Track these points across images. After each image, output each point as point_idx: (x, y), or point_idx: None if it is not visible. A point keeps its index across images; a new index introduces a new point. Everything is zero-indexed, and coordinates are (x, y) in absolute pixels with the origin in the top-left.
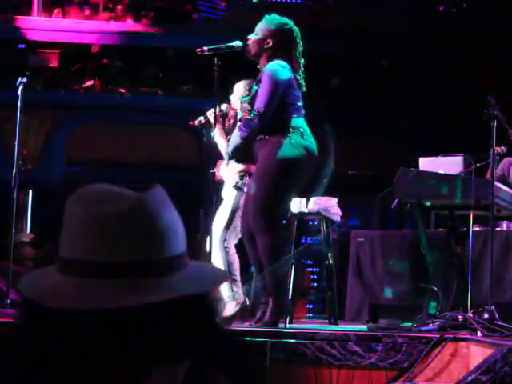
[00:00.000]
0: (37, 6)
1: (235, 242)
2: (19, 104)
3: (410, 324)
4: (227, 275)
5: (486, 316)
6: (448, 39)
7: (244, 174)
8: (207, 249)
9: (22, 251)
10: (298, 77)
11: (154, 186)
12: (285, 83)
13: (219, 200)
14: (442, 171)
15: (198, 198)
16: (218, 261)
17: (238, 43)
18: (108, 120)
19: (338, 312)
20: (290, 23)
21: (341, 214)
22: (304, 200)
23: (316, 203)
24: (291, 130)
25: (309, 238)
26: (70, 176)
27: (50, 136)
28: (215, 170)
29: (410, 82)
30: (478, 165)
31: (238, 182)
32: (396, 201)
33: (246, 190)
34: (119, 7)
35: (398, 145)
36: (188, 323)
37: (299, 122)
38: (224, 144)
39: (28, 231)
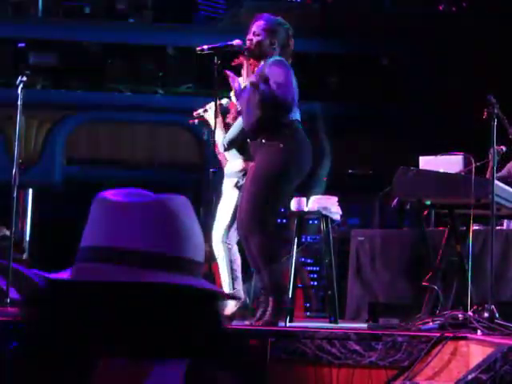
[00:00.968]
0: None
1: (237, 239)
2: (19, 103)
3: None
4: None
5: (486, 315)
6: (448, 38)
7: (244, 173)
8: (207, 248)
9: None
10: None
11: (180, 195)
12: (291, 76)
13: (219, 198)
14: (442, 170)
15: (198, 198)
16: (220, 259)
17: (238, 42)
18: (108, 119)
19: (338, 311)
20: (285, 23)
21: (341, 212)
22: (304, 199)
23: (316, 202)
24: (289, 134)
25: (309, 237)
26: (69, 175)
27: (49, 135)
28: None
29: (410, 81)
30: (478, 164)
31: (238, 182)
32: (396, 200)
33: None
34: None
35: (398, 144)
36: (193, 322)
37: (296, 125)
38: (222, 135)
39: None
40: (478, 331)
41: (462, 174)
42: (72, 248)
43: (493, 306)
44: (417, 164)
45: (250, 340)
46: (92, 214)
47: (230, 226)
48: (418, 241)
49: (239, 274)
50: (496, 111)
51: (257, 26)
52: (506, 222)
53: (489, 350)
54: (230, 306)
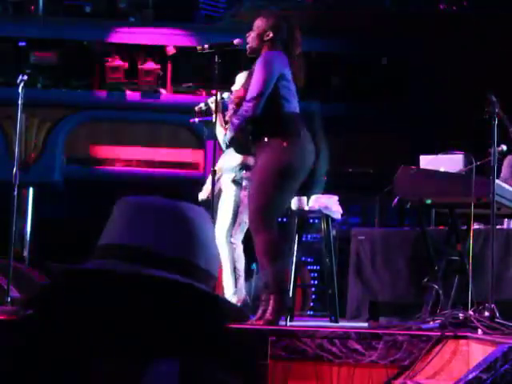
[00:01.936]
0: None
1: (241, 237)
2: (20, 102)
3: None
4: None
5: (486, 314)
6: (449, 38)
7: (242, 167)
8: None
9: None
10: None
11: (198, 206)
12: (277, 72)
13: (219, 193)
14: (442, 169)
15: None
16: (223, 257)
17: (238, 41)
18: (108, 118)
19: (339, 310)
20: (287, 15)
21: (341, 211)
22: (304, 198)
23: (316, 201)
24: (291, 130)
25: (309, 236)
26: (70, 174)
27: (50, 134)
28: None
29: (410, 81)
30: (479, 163)
31: (235, 176)
32: (396, 199)
33: (244, 184)
34: None
35: (399, 143)
36: (192, 320)
37: (296, 118)
38: (222, 133)
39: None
40: (479, 330)
41: (463, 173)
42: (72, 246)
43: (493, 305)
44: (417, 163)
45: (250, 339)
46: (112, 215)
47: (232, 224)
48: (418, 240)
49: (242, 274)
50: (497, 110)
51: (261, 22)
52: (506, 221)
53: (489, 349)
54: None
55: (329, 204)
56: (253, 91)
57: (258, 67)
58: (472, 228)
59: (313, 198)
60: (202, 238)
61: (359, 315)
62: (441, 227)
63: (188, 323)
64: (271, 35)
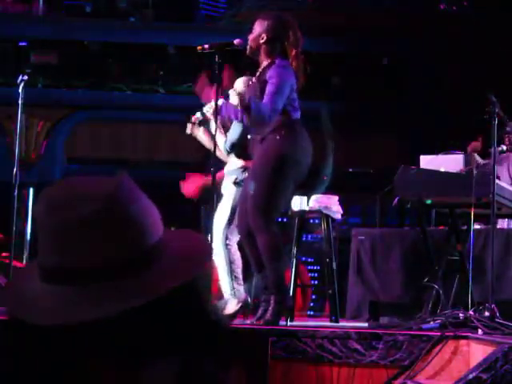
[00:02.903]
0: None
1: (237, 239)
2: (20, 102)
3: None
4: (210, 254)
5: (486, 314)
6: (449, 38)
7: (244, 169)
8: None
9: None
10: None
11: (119, 178)
12: (291, 84)
13: (220, 197)
14: (442, 169)
15: (200, 196)
16: (219, 259)
17: (238, 41)
18: (108, 118)
19: (339, 310)
20: (285, 16)
21: (342, 211)
22: (305, 198)
23: (317, 201)
24: (286, 128)
25: (310, 236)
26: (70, 174)
27: (50, 134)
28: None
29: (410, 81)
30: (479, 163)
31: (237, 178)
32: (397, 199)
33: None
34: None
35: (399, 143)
36: (174, 315)
37: (294, 120)
38: (223, 139)
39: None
40: (479, 330)
41: (463, 173)
42: None
43: (493, 305)
44: (417, 163)
45: (250, 339)
46: (38, 231)
47: (228, 225)
48: (418, 240)
49: (239, 275)
50: (497, 110)
51: (257, 25)
52: (506, 220)
53: (489, 350)
54: (231, 305)
55: (329, 204)
56: (274, 101)
57: (275, 77)
58: (472, 228)
59: (313, 198)
60: (130, 222)
61: (359, 315)
62: (441, 227)
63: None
64: (265, 38)
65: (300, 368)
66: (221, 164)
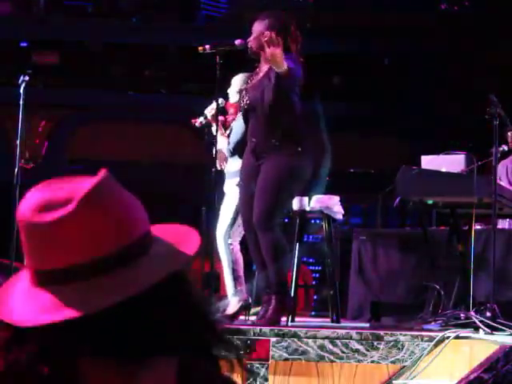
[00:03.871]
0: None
1: (239, 239)
2: (21, 102)
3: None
4: (197, 247)
5: (488, 314)
6: (450, 38)
7: None
8: (209, 247)
9: None
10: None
11: (99, 176)
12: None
13: (221, 197)
14: (444, 169)
15: (200, 197)
16: (222, 259)
17: (240, 41)
18: (110, 118)
19: (340, 310)
20: (282, 13)
21: (343, 212)
22: (306, 198)
23: (318, 201)
24: (302, 135)
25: (311, 236)
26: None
27: (52, 134)
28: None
29: (410, 81)
30: (480, 163)
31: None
32: (398, 199)
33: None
34: None
35: (400, 143)
36: (161, 311)
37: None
38: (225, 141)
39: None
40: (480, 330)
41: (464, 173)
42: None
43: (495, 306)
44: (418, 163)
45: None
46: (21, 234)
47: (231, 225)
48: (419, 240)
49: (241, 274)
50: (498, 110)
51: (257, 25)
52: (507, 221)
53: (491, 350)
54: (232, 305)
55: (330, 204)
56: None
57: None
58: (473, 228)
59: (314, 198)
60: (111, 220)
61: (361, 315)
62: (442, 227)
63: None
64: (268, 36)
65: (301, 368)
66: None
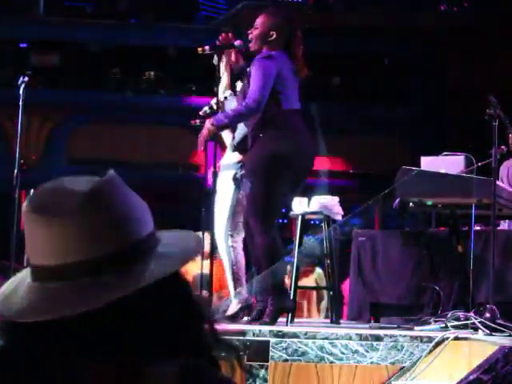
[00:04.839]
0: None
1: (242, 236)
2: (21, 103)
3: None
4: (198, 249)
5: (487, 315)
6: (450, 38)
7: (242, 164)
8: (209, 248)
9: None
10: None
11: (106, 177)
12: (274, 73)
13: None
14: (443, 170)
15: (200, 197)
16: (223, 259)
17: (239, 42)
18: (109, 119)
19: (340, 311)
20: (289, 14)
21: (342, 213)
22: (305, 199)
23: (317, 202)
24: (280, 123)
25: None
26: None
27: (51, 135)
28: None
29: (410, 81)
30: (480, 164)
31: (236, 174)
32: (397, 200)
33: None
34: None
35: (399, 143)
36: (161, 311)
37: (291, 114)
38: (230, 136)
39: None
40: (480, 331)
41: (464, 174)
42: None
43: (494, 307)
44: (418, 164)
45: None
46: (25, 230)
47: (229, 224)
48: (419, 241)
49: (242, 275)
50: (497, 111)
51: (258, 20)
52: (507, 222)
53: (490, 351)
54: (232, 306)
55: (330, 205)
56: (254, 94)
57: (255, 72)
58: (473, 229)
59: (314, 199)
60: (116, 217)
61: (360, 316)
62: (442, 228)
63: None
64: (275, 36)
65: (301, 369)
66: None
